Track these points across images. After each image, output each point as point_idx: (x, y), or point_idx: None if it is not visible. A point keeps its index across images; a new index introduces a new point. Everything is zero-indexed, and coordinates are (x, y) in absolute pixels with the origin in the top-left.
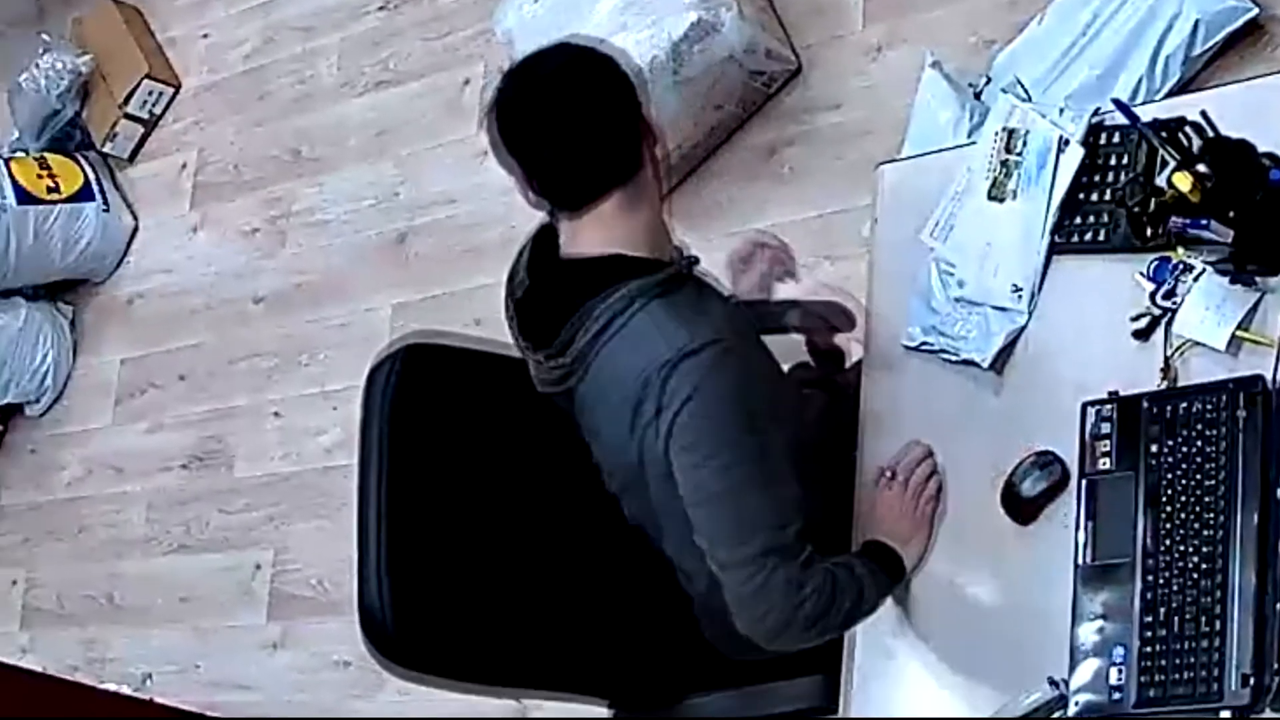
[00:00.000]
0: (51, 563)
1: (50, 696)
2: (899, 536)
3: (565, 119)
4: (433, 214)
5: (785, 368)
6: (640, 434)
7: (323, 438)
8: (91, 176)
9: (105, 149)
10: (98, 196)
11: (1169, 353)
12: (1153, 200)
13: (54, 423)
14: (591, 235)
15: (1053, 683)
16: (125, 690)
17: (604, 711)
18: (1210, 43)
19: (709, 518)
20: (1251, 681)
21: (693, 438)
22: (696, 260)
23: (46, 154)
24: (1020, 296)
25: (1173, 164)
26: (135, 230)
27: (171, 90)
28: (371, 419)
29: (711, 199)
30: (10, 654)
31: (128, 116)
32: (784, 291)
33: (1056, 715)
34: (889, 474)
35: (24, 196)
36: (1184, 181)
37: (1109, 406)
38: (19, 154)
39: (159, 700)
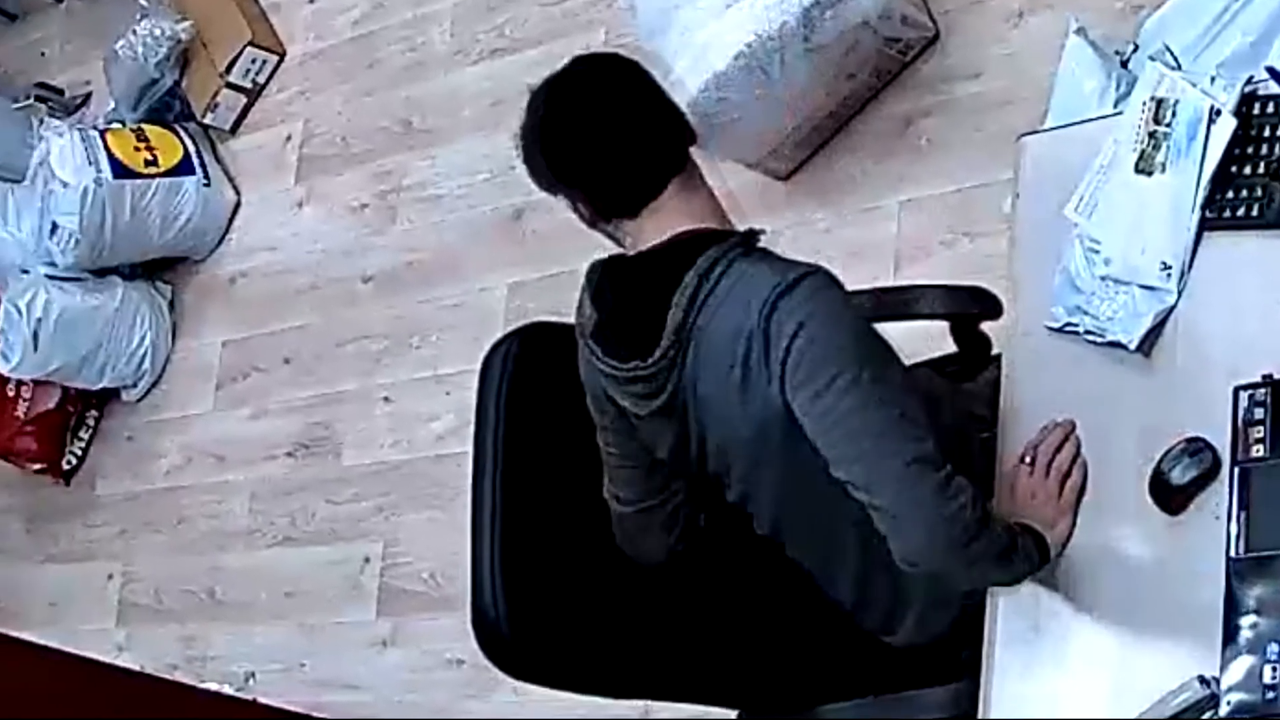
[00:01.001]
0: (149, 556)
1: (148, 697)
2: (1041, 522)
3: (606, 126)
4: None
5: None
6: (755, 393)
7: (435, 424)
8: (191, 149)
9: (206, 120)
10: (198, 170)
11: None
12: None
13: (152, 408)
14: (656, 227)
15: (1203, 681)
16: (227, 690)
17: (731, 715)
18: None
19: (844, 441)
20: None
21: (809, 368)
22: (761, 232)
23: (144, 125)
24: (1169, 275)
25: None
26: (237, 205)
27: (276, 58)
28: (487, 404)
29: (844, 173)
30: (106, 652)
31: (229, 86)
32: (916, 272)
33: (1207, 715)
34: (1029, 458)
35: (120, 170)
36: None
37: (1263, 391)
38: (115, 125)
39: (262, 700)
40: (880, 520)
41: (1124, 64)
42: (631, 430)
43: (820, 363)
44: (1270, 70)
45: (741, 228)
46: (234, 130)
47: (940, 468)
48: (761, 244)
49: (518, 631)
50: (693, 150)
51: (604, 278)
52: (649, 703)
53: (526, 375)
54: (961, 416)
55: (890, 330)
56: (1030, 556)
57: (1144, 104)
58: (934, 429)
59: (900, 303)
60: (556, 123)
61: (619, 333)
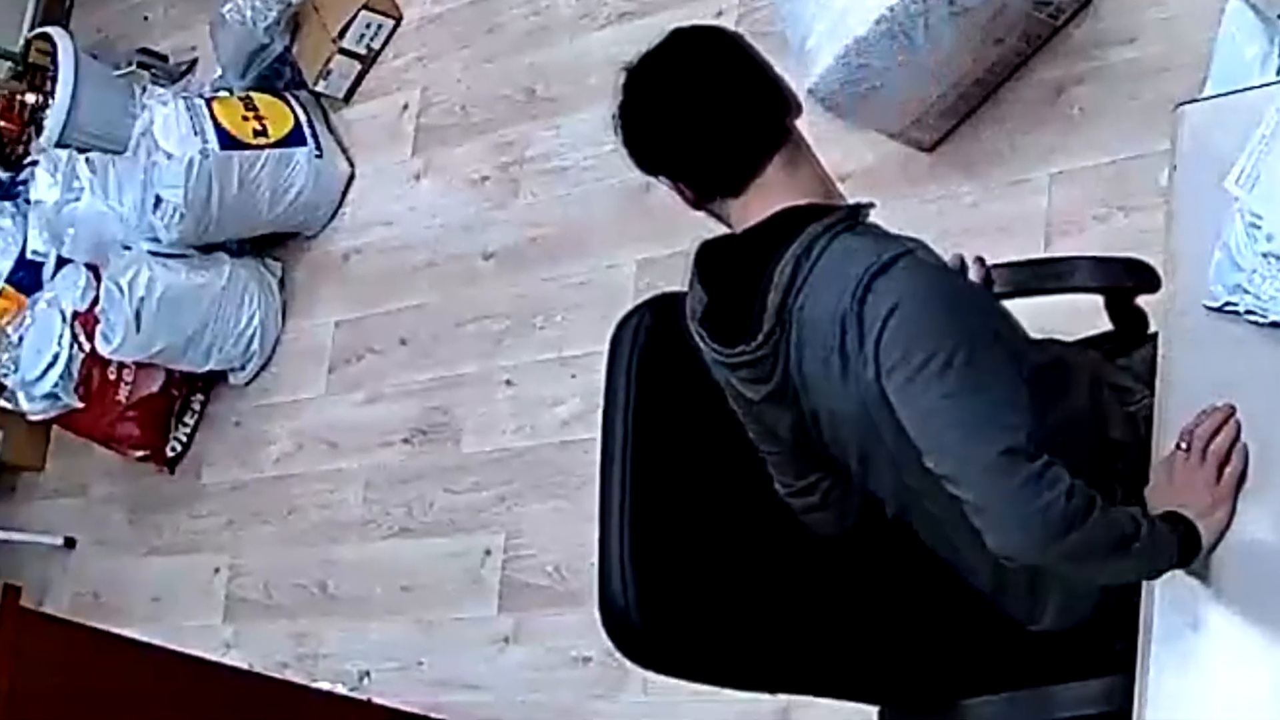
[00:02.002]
0: (258, 548)
1: (257, 697)
2: (1196, 509)
3: (696, 107)
4: None
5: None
6: (856, 378)
7: (560, 408)
8: (302, 118)
9: (318, 88)
10: (309, 140)
11: None
12: None
13: (261, 392)
14: (760, 204)
15: None
16: (340, 689)
17: (871, 712)
18: None
19: (933, 432)
20: None
21: (901, 352)
22: (871, 205)
23: (253, 93)
24: None
25: None
26: (351, 178)
27: (392, 22)
28: (617, 380)
29: (992, 144)
30: (214, 649)
31: (343, 52)
32: (1067, 248)
33: None
34: (1185, 444)
35: (228, 141)
36: None
37: None
38: (222, 94)
39: (377, 701)
40: (971, 514)
41: None
42: (758, 414)
43: (911, 347)
44: None
45: (853, 200)
46: (348, 99)
47: (1034, 457)
48: (873, 218)
49: (648, 620)
50: (799, 122)
51: (711, 258)
52: (789, 700)
53: (659, 350)
54: (1100, 388)
55: (1043, 306)
56: (1162, 547)
57: None
58: (1059, 405)
59: (1051, 275)
60: (644, 106)
61: (724, 316)
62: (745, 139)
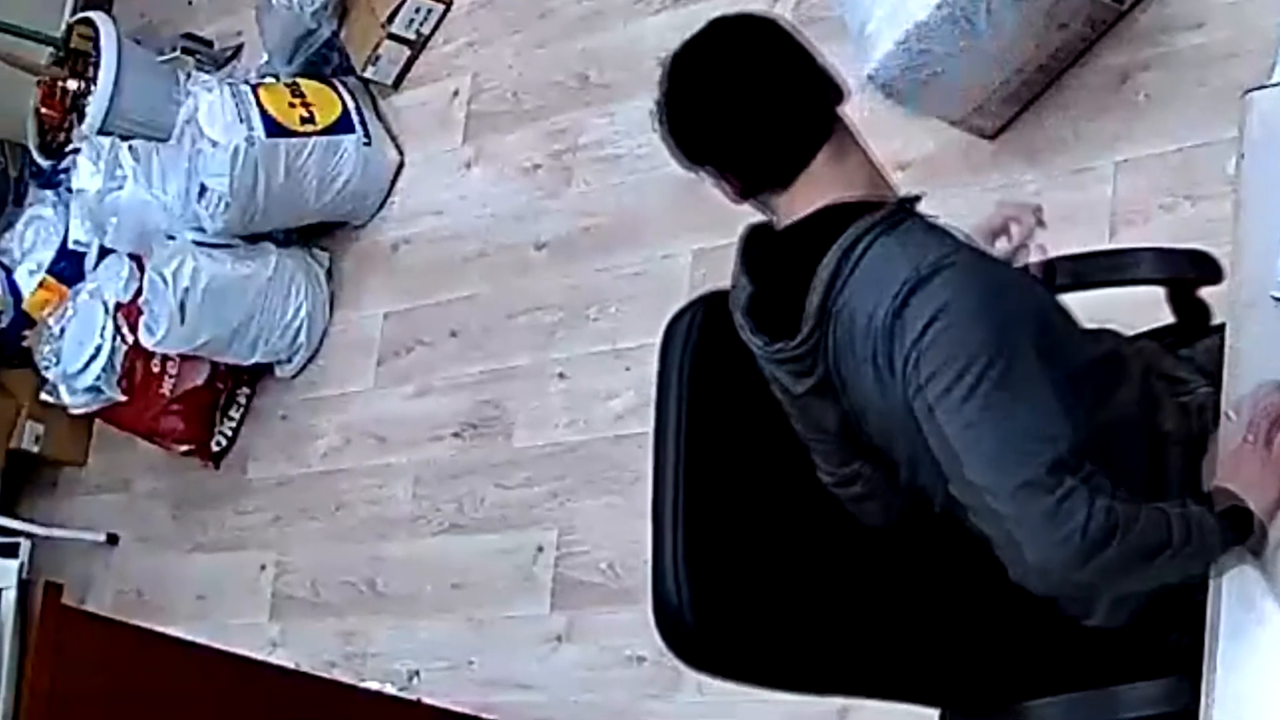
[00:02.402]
0: (305, 545)
1: (304, 696)
2: (1257, 497)
3: (738, 99)
4: None
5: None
6: (892, 388)
7: (614, 402)
8: (350, 105)
9: (366, 74)
10: (358, 128)
11: None
12: None
13: (308, 385)
14: (806, 197)
15: None
16: (389, 689)
17: (930, 715)
18: None
19: (960, 455)
20: None
21: (929, 371)
22: (919, 197)
23: (299, 80)
24: None
25: None
26: (400, 166)
27: (442, 7)
28: (669, 379)
29: (1055, 131)
30: (259, 648)
31: (392, 37)
32: (1132, 238)
33: None
34: (1250, 435)
35: (274, 128)
36: None
37: None
38: (268, 80)
39: (427, 701)
40: (1015, 532)
41: None
42: (803, 406)
43: (940, 368)
44: None
45: (903, 191)
46: (396, 85)
47: (1076, 469)
48: (935, 210)
49: (702, 621)
50: (844, 110)
51: (755, 247)
52: (845, 704)
53: (711, 347)
54: (1152, 378)
55: (1104, 299)
56: (1205, 543)
57: None
58: (1111, 399)
59: (1114, 267)
60: (688, 96)
61: (767, 311)
62: (793, 129)
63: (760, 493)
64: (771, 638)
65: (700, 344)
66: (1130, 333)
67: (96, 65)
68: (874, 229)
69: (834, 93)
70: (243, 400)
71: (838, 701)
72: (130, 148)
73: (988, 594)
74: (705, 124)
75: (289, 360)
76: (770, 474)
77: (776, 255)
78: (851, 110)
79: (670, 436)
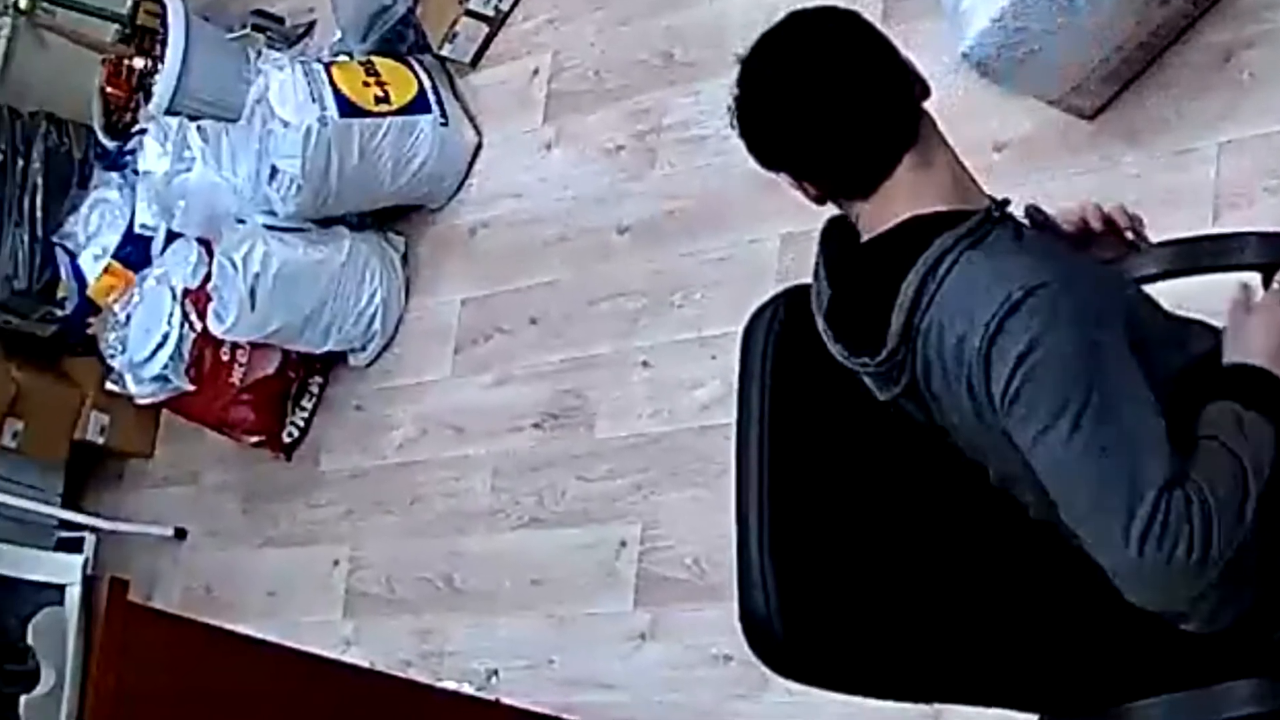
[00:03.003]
0: (380, 539)
1: (379, 696)
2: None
3: (817, 104)
4: None
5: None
6: (985, 415)
7: (699, 391)
8: (427, 84)
9: (443, 52)
10: (434, 108)
11: None
12: None
13: (383, 374)
14: (889, 208)
15: None
16: (466, 689)
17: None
18: None
19: (1061, 489)
20: None
21: (1026, 407)
22: (1007, 202)
23: (374, 58)
24: None
25: None
26: (478, 148)
27: None
28: (750, 377)
29: (1157, 111)
30: (333, 646)
31: (469, 14)
32: (1236, 222)
33: None
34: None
35: (348, 108)
36: None
37: None
38: (342, 58)
39: (506, 701)
40: (1111, 571)
41: None
42: (893, 406)
43: (1036, 404)
44: None
45: (989, 189)
46: (474, 63)
47: (1175, 484)
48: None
49: (791, 628)
50: (928, 105)
51: (835, 249)
52: (940, 707)
53: (794, 344)
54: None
55: (1202, 285)
56: (1264, 441)
57: None
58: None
59: (1215, 252)
60: (763, 100)
61: (848, 321)
62: (875, 137)
63: (848, 493)
64: (863, 644)
65: (781, 342)
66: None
67: (164, 43)
68: (958, 245)
69: (924, 90)
70: (315, 390)
71: (929, 708)
72: (199, 128)
73: (1083, 596)
74: (780, 130)
75: (363, 348)
76: (858, 473)
77: (858, 267)
78: (946, 90)
79: (752, 435)
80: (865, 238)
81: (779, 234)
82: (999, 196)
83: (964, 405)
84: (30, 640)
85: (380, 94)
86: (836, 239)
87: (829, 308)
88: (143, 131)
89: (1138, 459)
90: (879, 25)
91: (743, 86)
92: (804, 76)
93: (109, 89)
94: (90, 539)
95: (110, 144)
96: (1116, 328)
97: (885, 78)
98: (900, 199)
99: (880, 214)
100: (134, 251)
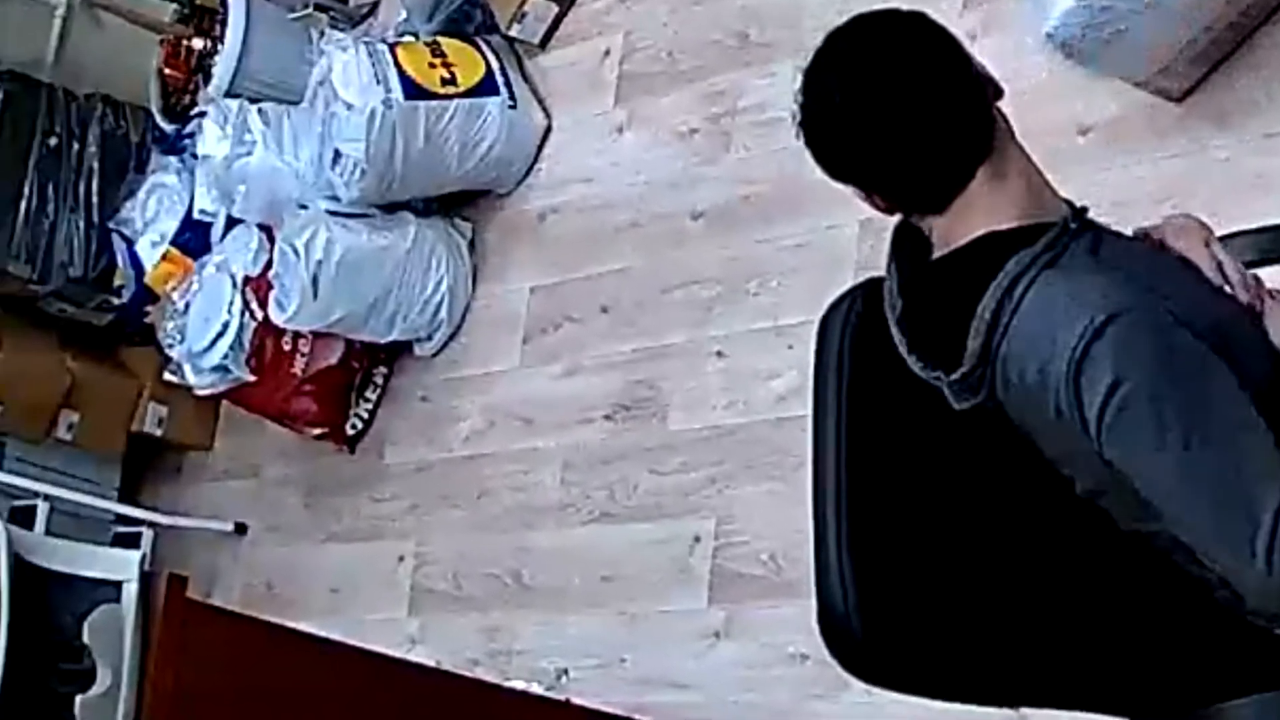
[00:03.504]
0: (446, 534)
1: (445, 696)
2: None
3: (897, 120)
4: None
5: None
6: (1077, 436)
7: (775, 382)
8: (495, 66)
9: (511, 32)
10: (502, 90)
11: None
12: None
13: (449, 364)
14: (963, 224)
15: None
16: (536, 689)
17: None
18: None
19: (1177, 512)
20: None
21: (1129, 438)
22: (1084, 210)
23: (440, 38)
24: None
25: None
26: (548, 131)
27: None
28: (826, 372)
29: (1247, 93)
30: (397, 644)
31: None
32: None
33: None
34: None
35: (413, 90)
36: None
37: None
38: (407, 39)
39: (576, 701)
40: (1237, 584)
41: None
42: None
43: (1139, 433)
44: None
45: (1062, 209)
46: (544, 44)
47: (1274, 532)
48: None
49: (871, 630)
50: (1000, 108)
51: (906, 258)
52: (1022, 710)
53: (872, 337)
54: None
55: None
56: None
57: None
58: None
59: None
60: (829, 110)
61: (923, 335)
62: (948, 155)
63: (927, 490)
64: (944, 646)
65: (860, 333)
66: None
67: (224, 23)
68: (1034, 265)
69: (992, 91)
70: (379, 380)
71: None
72: (260, 111)
73: (1171, 596)
74: (847, 146)
75: (429, 338)
76: (937, 469)
77: (932, 283)
78: (1029, 71)
79: (829, 432)
80: (938, 253)
81: (857, 220)
82: (1077, 202)
83: (1050, 426)
84: (86, 639)
85: (446, 75)
86: (908, 246)
87: (902, 317)
88: (202, 114)
89: (1249, 475)
90: (960, 8)
91: (807, 96)
92: (871, 90)
93: (167, 70)
94: (148, 534)
95: (168, 127)
96: (1203, 342)
97: (957, 89)
98: (974, 214)
99: (953, 229)
100: (193, 238)
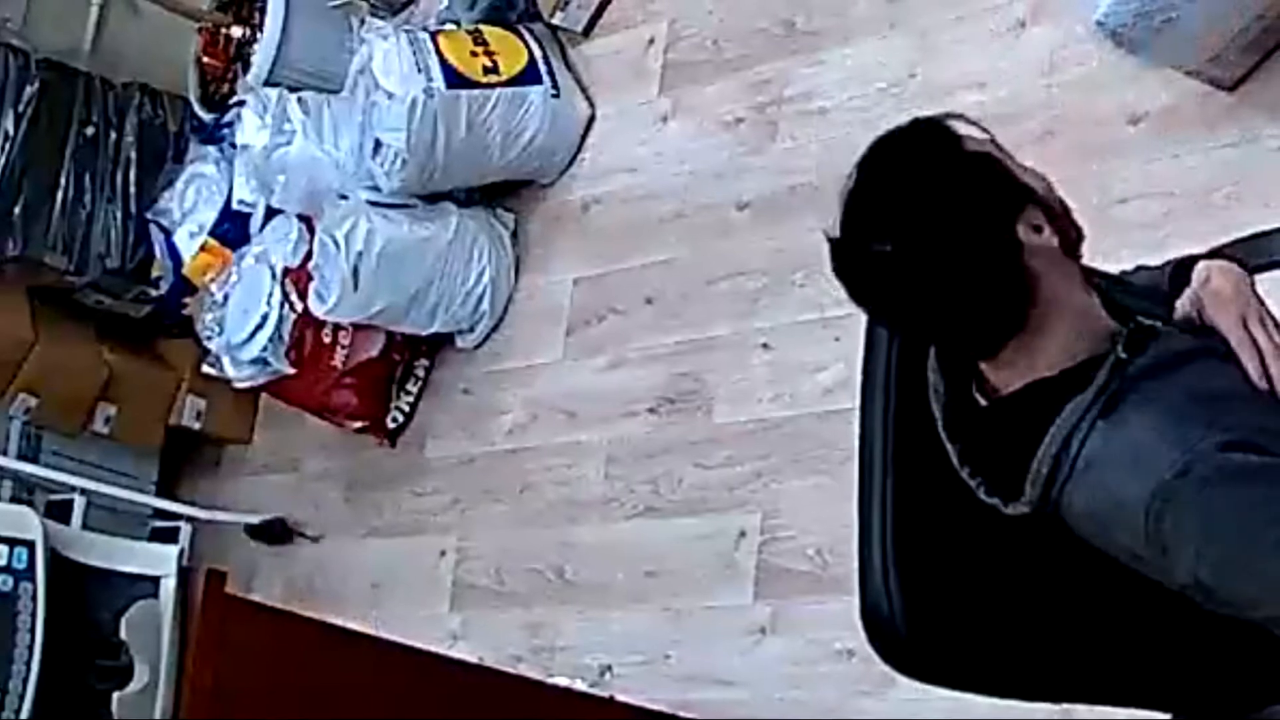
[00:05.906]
0: (488, 529)
1: (488, 692)
2: None
3: (932, 266)
4: (958, 99)
5: None
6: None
7: (822, 375)
8: (537, 54)
9: (554, 20)
10: (545, 78)
11: None
12: None
13: (491, 357)
14: (1009, 373)
15: None
16: (579, 685)
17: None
18: None
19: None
20: None
21: (1228, 585)
22: (1137, 334)
23: (482, 26)
24: None
25: None
26: (591, 120)
27: None
28: (875, 362)
29: None
30: (439, 640)
31: None
32: None
33: None
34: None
35: (455, 79)
36: None
37: None
38: (449, 26)
39: (620, 698)
40: None
41: None
42: None
43: (1234, 581)
44: None
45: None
46: (587, 32)
47: None
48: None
49: (915, 625)
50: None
51: (955, 397)
52: (1067, 706)
53: None
54: None
55: None
56: None
57: None
58: None
59: None
60: (854, 252)
61: (975, 465)
62: (990, 305)
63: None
64: (990, 643)
65: None
66: None
67: (263, 10)
68: (1087, 416)
69: (1029, 211)
70: (421, 373)
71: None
72: (299, 100)
73: None
74: (883, 292)
75: (471, 330)
76: None
77: (981, 429)
78: (1079, 60)
79: (877, 429)
80: (983, 401)
81: None
82: (1122, 327)
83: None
84: (123, 635)
85: (489, 64)
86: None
87: (945, 413)
88: (241, 103)
89: None
90: None
91: (847, 227)
92: (900, 229)
93: (205, 59)
94: (186, 529)
95: (207, 116)
96: (1266, 455)
97: (996, 222)
98: (1021, 362)
99: (997, 377)
100: (231, 229)
